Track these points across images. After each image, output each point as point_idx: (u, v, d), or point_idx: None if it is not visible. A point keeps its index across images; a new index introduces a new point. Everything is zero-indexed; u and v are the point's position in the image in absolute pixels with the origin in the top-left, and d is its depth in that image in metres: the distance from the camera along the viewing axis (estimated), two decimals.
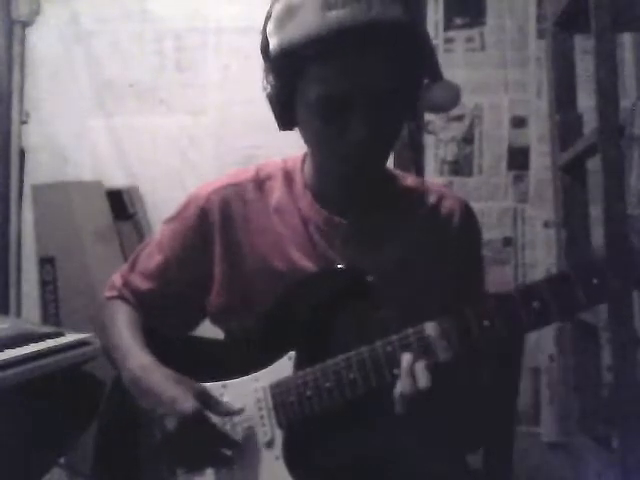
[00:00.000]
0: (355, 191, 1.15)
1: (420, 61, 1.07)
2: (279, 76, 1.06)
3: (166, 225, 1.27)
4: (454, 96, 1.08)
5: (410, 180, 1.24)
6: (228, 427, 1.10)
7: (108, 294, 1.30)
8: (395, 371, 0.99)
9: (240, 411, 1.09)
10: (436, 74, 1.08)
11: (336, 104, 1.02)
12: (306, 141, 1.13)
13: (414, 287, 1.15)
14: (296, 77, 1.04)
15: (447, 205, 1.21)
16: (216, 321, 1.24)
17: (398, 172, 1.25)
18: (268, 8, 1.07)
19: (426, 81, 1.09)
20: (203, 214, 1.21)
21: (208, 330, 1.30)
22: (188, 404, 1.04)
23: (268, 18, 1.06)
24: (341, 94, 1.01)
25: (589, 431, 1.91)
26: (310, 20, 0.99)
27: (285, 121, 1.12)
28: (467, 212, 1.23)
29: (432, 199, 1.21)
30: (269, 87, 1.09)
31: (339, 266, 1.12)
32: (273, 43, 1.04)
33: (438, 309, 0.99)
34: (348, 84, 1.00)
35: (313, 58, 1.00)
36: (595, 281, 0.89)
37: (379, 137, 1.05)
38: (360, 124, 1.02)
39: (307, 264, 1.16)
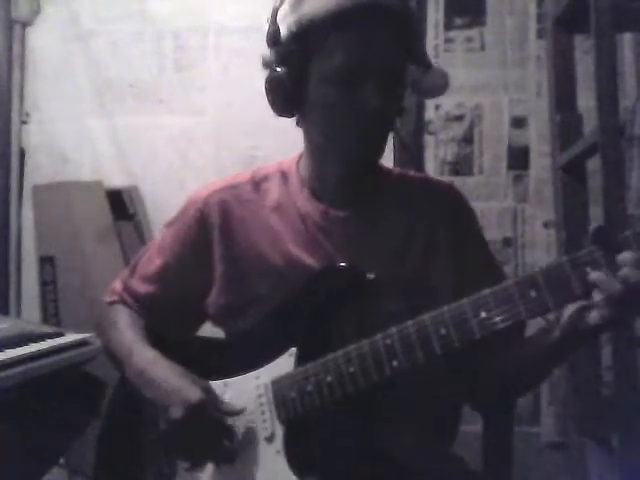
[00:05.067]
0: (357, 174, 1.17)
1: (414, 48, 1.14)
2: (293, 55, 1.10)
3: (166, 229, 1.29)
4: (443, 82, 1.15)
5: (396, 171, 1.29)
6: (229, 422, 1.10)
7: (109, 299, 1.31)
8: (394, 363, 1.00)
9: (241, 411, 1.10)
10: (426, 62, 1.15)
11: (353, 74, 1.07)
12: (316, 121, 1.14)
13: (416, 275, 1.17)
14: (312, 52, 1.09)
15: (435, 189, 1.26)
16: (217, 322, 1.25)
17: (383, 165, 1.27)
18: (276, 1, 1.12)
19: (418, 69, 1.15)
20: (202, 217, 1.22)
21: (206, 330, 1.31)
22: (193, 393, 1.06)
23: (278, 7, 1.11)
24: (359, 63, 1.07)
25: (589, 431, 1.91)
26: None
27: (292, 103, 1.13)
28: (455, 192, 1.27)
29: (420, 186, 1.26)
30: (278, 71, 1.11)
31: (341, 264, 1.12)
32: (287, 24, 1.09)
33: (442, 296, 0.99)
34: (366, 54, 1.07)
35: (333, 31, 1.06)
36: (589, 270, 0.90)
37: (389, 110, 1.11)
38: (375, 93, 1.07)
39: (306, 259, 1.16)
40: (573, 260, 0.91)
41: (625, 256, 0.88)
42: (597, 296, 0.90)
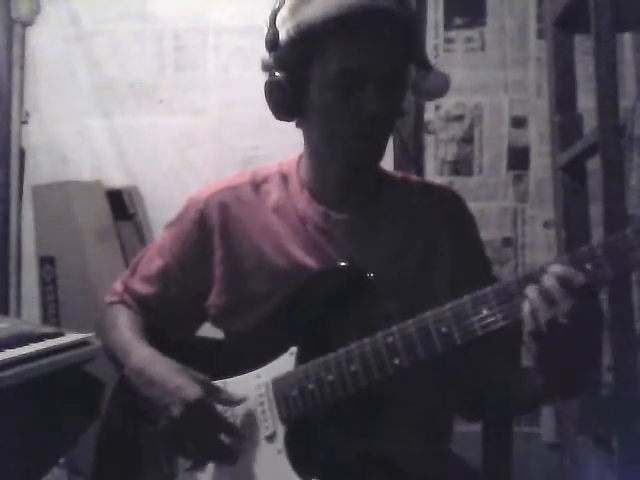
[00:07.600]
0: (357, 177, 1.17)
1: (414, 50, 1.13)
2: (292, 60, 1.10)
3: (166, 230, 1.29)
4: (444, 83, 1.15)
5: (396, 174, 1.29)
6: (230, 420, 1.10)
7: (109, 299, 1.32)
8: (396, 361, 1.00)
9: (242, 400, 1.10)
10: (426, 64, 1.15)
11: (353, 79, 1.07)
12: (315, 125, 1.14)
13: (415, 277, 1.17)
14: (311, 57, 1.09)
15: (436, 193, 1.27)
16: (217, 322, 1.25)
17: (383, 168, 1.27)
18: (275, 3, 1.12)
19: (419, 71, 1.15)
20: (202, 218, 1.22)
21: (206, 331, 1.31)
22: (192, 391, 1.06)
23: (277, 10, 1.11)
24: (358, 68, 1.07)
25: (589, 431, 1.91)
26: (329, 1, 1.05)
27: (291, 107, 1.13)
28: (455, 197, 1.28)
29: (420, 190, 1.26)
30: (277, 76, 1.11)
31: (341, 264, 1.13)
32: (286, 29, 1.09)
33: (440, 298, 0.99)
34: (365, 59, 1.07)
35: (331, 36, 1.06)
36: (589, 267, 0.89)
37: (388, 115, 1.11)
38: (374, 98, 1.07)
39: (307, 261, 1.16)
40: (573, 257, 0.91)
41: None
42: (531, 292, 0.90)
